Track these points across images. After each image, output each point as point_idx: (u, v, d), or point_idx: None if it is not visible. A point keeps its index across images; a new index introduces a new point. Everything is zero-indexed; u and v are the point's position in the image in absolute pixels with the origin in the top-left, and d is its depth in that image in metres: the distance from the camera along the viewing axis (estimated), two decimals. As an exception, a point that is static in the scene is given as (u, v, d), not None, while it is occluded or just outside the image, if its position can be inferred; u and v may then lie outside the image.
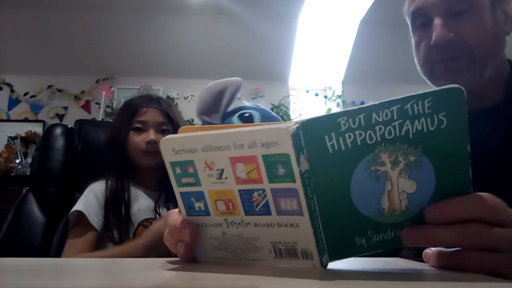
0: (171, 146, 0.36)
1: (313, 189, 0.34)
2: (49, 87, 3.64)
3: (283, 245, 0.37)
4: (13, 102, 3.62)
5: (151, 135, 1.08)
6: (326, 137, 0.33)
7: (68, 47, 3.44)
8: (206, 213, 0.38)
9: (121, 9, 3.31)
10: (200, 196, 0.37)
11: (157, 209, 1.07)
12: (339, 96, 4.11)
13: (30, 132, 3.32)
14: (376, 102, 0.32)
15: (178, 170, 0.37)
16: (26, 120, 3.56)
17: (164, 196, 1.09)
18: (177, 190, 0.38)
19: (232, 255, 0.39)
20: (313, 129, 0.33)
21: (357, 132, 0.33)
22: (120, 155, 1.09)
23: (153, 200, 1.09)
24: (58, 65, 3.56)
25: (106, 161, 1.11)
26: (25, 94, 3.62)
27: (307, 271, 0.35)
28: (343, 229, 0.36)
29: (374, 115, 0.32)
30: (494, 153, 0.66)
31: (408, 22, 0.75)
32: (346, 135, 0.33)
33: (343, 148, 0.33)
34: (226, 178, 0.36)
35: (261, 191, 0.35)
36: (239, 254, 0.39)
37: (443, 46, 0.66)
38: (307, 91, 4.22)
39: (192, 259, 0.40)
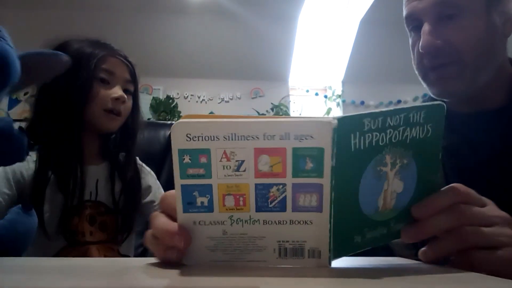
0: (186, 131, 0.33)
1: (333, 186, 0.34)
2: (49, 87, 3.64)
3: (290, 244, 0.36)
4: (13, 102, 3.63)
5: (119, 91, 0.87)
6: (352, 135, 0.34)
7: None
8: (209, 209, 0.35)
9: (121, 9, 3.32)
10: (206, 190, 0.35)
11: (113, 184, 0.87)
12: (339, 96, 4.11)
13: (30, 132, 3.33)
14: (391, 108, 0.35)
15: (186, 159, 0.34)
16: (26, 119, 3.56)
17: (113, 169, 0.89)
18: (178, 182, 0.34)
19: (228, 256, 0.37)
20: (344, 126, 0.33)
21: (374, 133, 0.34)
22: (80, 113, 0.84)
23: (102, 175, 0.88)
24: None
25: (49, 125, 0.84)
26: (25, 93, 3.61)
27: (311, 270, 0.35)
28: (347, 226, 0.36)
29: (388, 119, 0.35)
30: (502, 155, 0.66)
31: (405, 25, 0.75)
32: (366, 135, 0.34)
33: (362, 148, 0.34)
34: (244, 170, 0.34)
35: (281, 186, 0.34)
36: (237, 255, 0.37)
37: (432, 53, 0.66)
38: (307, 91, 4.22)
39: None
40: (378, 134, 0.35)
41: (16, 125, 0.55)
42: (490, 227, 0.37)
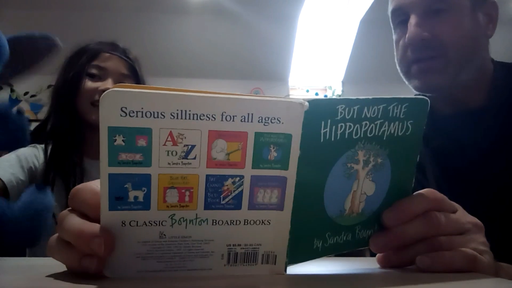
0: (121, 103, 0.25)
1: (297, 180, 0.30)
2: (49, 86, 3.63)
3: (242, 248, 0.31)
4: (13, 102, 3.62)
5: (109, 84, 0.87)
6: (322, 123, 0.29)
7: (68, 47, 3.43)
8: (144, 206, 0.28)
9: (121, 9, 3.31)
10: (143, 181, 0.27)
11: None
12: (339, 96, 4.12)
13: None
14: (370, 97, 0.31)
15: (119, 141, 0.26)
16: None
17: None
18: (105, 170, 0.26)
19: (164, 265, 0.30)
20: (315, 111, 0.29)
21: (348, 124, 0.30)
22: (70, 108, 0.87)
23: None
24: (58, 65, 3.56)
25: (50, 120, 0.89)
26: (25, 93, 3.62)
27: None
28: (307, 228, 0.32)
29: (365, 109, 0.31)
30: (487, 154, 0.66)
31: (390, 21, 0.75)
32: (339, 125, 0.30)
33: (333, 139, 0.30)
34: (194, 158, 0.27)
35: (237, 178, 0.29)
36: (175, 263, 0.30)
37: (418, 45, 0.66)
38: (307, 91, 4.22)
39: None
40: (352, 125, 0.31)
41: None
42: (463, 234, 0.36)
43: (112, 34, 1.03)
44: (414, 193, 0.36)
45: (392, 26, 0.74)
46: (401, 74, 0.73)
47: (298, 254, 0.32)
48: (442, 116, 0.71)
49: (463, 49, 0.66)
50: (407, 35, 0.66)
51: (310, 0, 3.43)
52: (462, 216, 0.37)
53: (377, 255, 0.37)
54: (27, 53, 0.54)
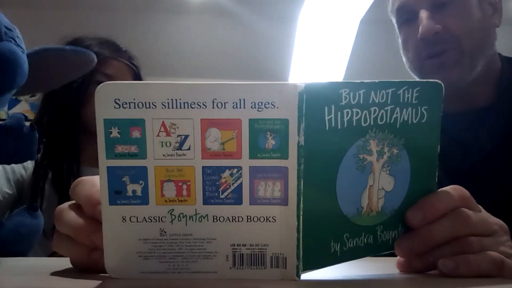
0: (114, 95, 0.26)
1: (302, 171, 0.28)
2: (49, 87, 3.64)
3: (248, 248, 0.29)
4: (13, 102, 3.62)
5: None
6: (326, 108, 0.28)
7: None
8: (143, 200, 0.28)
9: (121, 9, 3.31)
10: (140, 174, 0.27)
11: None
12: (339, 96, 4.11)
13: (30, 132, 3.32)
14: (376, 80, 0.29)
15: (114, 133, 0.27)
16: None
17: None
18: (104, 163, 0.27)
19: (166, 266, 0.29)
20: (315, 95, 0.27)
21: (354, 110, 0.29)
22: (73, 114, 0.85)
23: None
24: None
25: (49, 124, 0.87)
26: (25, 94, 3.62)
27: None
28: (321, 229, 0.30)
29: (372, 93, 0.29)
30: (492, 153, 0.66)
31: (394, 21, 0.75)
32: (345, 111, 0.28)
33: (339, 127, 0.28)
34: (188, 148, 0.27)
35: (235, 170, 0.28)
36: (178, 264, 0.29)
37: (431, 39, 0.65)
38: (307, 91, 4.21)
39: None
40: (359, 111, 0.29)
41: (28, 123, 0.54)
42: (491, 236, 0.34)
43: (111, 34, 1.03)
44: (439, 190, 0.33)
45: (396, 26, 0.73)
46: (412, 73, 0.73)
47: (314, 259, 0.30)
48: (446, 114, 0.71)
49: (475, 40, 0.65)
50: (420, 30, 0.65)
51: (310, 0, 3.43)
52: (488, 216, 0.35)
53: (397, 259, 0.34)
54: (56, 67, 0.54)
